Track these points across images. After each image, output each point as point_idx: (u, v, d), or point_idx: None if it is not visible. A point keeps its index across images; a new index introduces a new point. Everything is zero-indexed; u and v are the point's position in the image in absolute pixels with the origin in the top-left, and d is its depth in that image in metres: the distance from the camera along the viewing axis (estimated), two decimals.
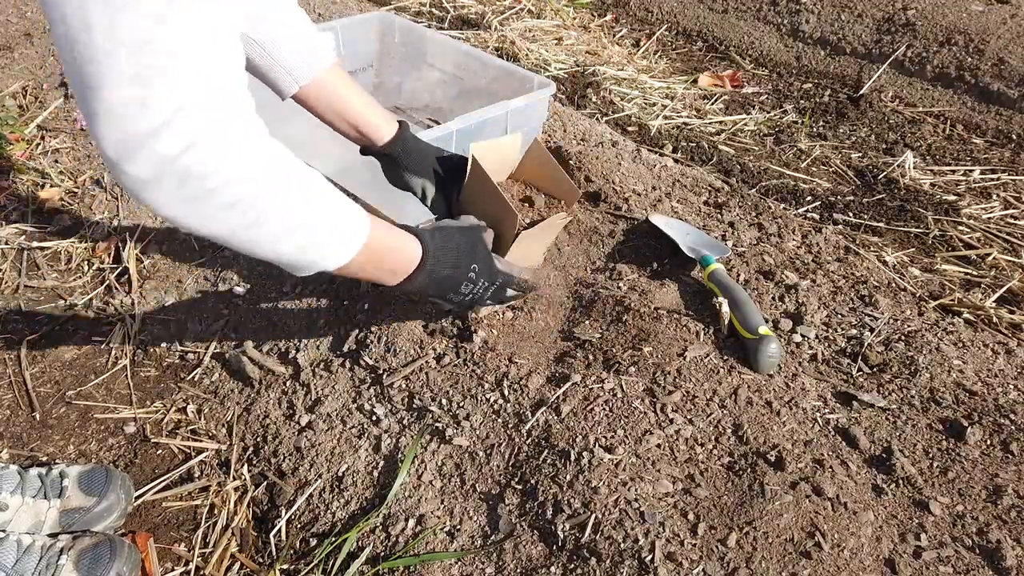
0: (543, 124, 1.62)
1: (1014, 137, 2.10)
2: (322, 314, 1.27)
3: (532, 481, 0.94)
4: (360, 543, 0.94)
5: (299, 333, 1.25)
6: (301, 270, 0.77)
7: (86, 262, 1.49)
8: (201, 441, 1.13)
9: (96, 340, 1.32)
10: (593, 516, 0.88)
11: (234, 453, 1.09)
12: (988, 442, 1.01)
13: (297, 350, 1.21)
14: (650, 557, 0.83)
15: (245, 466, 1.08)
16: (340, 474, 1.03)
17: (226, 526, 1.01)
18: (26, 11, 2.31)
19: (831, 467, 0.94)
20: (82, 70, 0.55)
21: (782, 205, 1.70)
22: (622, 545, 0.84)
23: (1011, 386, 1.11)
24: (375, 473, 1.02)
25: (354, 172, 1.25)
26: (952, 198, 1.79)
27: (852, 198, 1.80)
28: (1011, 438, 1.00)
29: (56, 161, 1.74)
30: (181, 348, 1.29)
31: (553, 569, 0.86)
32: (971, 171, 1.92)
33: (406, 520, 0.95)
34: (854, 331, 1.20)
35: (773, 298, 1.26)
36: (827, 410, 1.05)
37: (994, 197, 1.80)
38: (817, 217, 1.72)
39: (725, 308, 1.15)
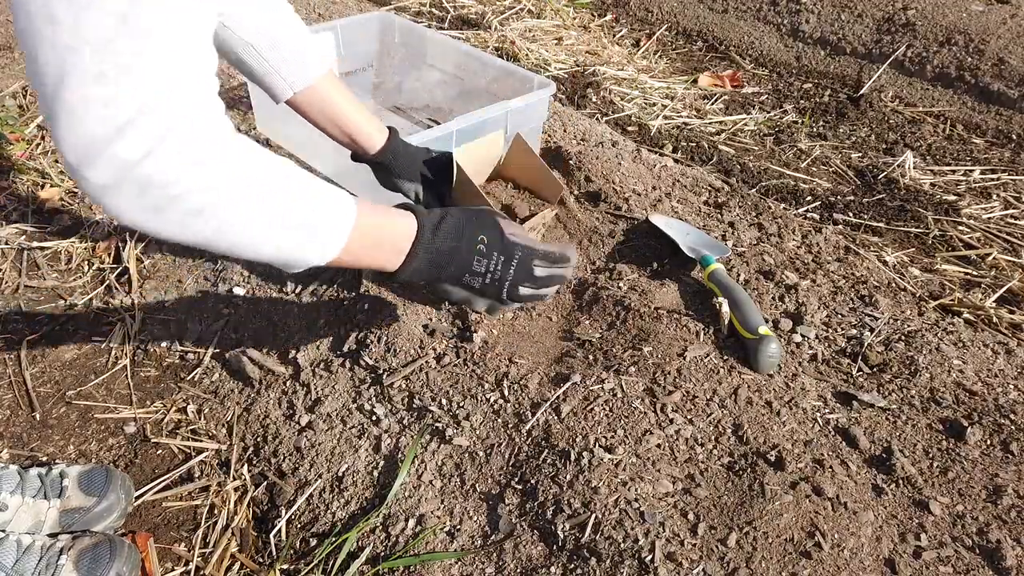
0: (543, 124, 1.62)
1: (1014, 137, 2.10)
2: (322, 314, 1.27)
3: (532, 481, 0.94)
4: (360, 543, 0.94)
5: (299, 333, 1.25)
6: (292, 268, 0.75)
7: (86, 262, 1.49)
8: (201, 441, 1.13)
9: (96, 340, 1.32)
10: (593, 516, 0.88)
11: (234, 453, 1.09)
12: (988, 442, 1.01)
13: (297, 350, 1.21)
14: (650, 557, 0.83)
15: (245, 466, 1.08)
16: (340, 474, 1.02)
17: (226, 526, 1.01)
18: None
19: (831, 467, 0.94)
20: (44, 69, 0.53)
21: (782, 205, 1.70)
22: (622, 545, 0.84)
23: (1011, 386, 1.11)
24: (375, 473, 1.02)
25: (354, 172, 1.26)
26: (952, 198, 1.79)
27: (852, 198, 1.80)
28: (1011, 438, 1.01)
29: (56, 161, 1.73)
30: (181, 348, 1.29)
31: (553, 569, 0.86)
32: (971, 171, 1.92)
33: (406, 520, 0.95)
34: (854, 331, 1.20)
35: (773, 298, 1.26)
36: (827, 410, 1.05)
37: (994, 197, 1.80)
38: (817, 217, 1.72)
39: (725, 308, 1.15)
